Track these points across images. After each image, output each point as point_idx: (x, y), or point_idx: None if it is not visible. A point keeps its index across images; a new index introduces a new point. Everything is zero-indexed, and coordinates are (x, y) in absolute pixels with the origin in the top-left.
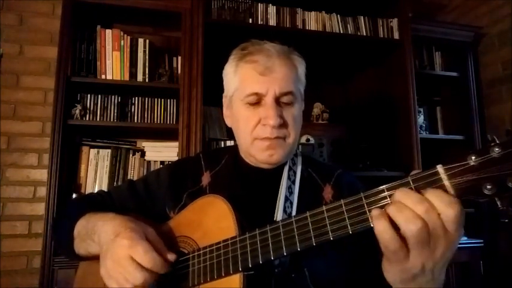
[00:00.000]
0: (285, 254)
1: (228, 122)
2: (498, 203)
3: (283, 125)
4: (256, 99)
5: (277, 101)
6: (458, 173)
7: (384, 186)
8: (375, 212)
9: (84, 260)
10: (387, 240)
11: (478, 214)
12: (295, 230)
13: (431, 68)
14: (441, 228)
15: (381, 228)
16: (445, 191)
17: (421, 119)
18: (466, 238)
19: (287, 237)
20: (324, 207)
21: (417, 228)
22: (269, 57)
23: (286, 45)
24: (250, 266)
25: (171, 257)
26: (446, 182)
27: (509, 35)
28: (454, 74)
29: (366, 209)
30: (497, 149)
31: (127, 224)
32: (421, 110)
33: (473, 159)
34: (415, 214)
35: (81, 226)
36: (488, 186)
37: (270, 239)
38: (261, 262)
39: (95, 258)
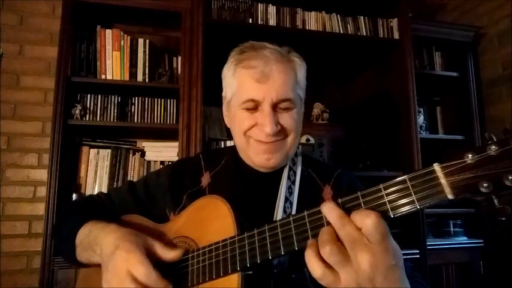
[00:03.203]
0: (282, 253)
1: (227, 122)
2: (495, 201)
3: (280, 130)
4: (253, 105)
5: (275, 107)
6: (455, 171)
7: (381, 185)
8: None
9: (85, 267)
10: (311, 269)
11: (478, 214)
12: (293, 229)
13: (431, 68)
14: (361, 240)
15: (306, 257)
16: (441, 190)
17: (421, 119)
18: (466, 238)
19: (285, 236)
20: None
21: (328, 251)
22: (267, 63)
23: (287, 46)
24: (248, 265)
25: (175, 253)
26: (443, 180)
27: (509, 35)
28: (454, 74)
29: (363, 208)
30: (494, 147)
31: (127, 236)
32: (421, 110)
33: (470, 158)
34: (328, 238)
35: (84, 235)
36: (485, 184)
37: (268, 238)
38: (259, 262)
39: (97, 266)
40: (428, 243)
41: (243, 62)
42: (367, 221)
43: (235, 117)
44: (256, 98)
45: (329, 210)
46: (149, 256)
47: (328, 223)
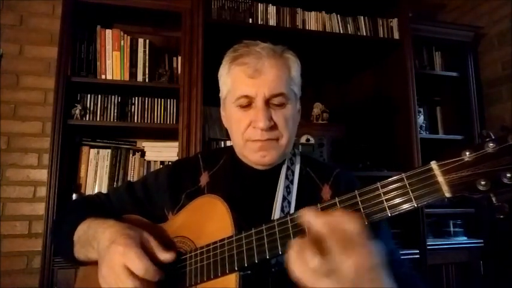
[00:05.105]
0: (280, 253)
1: (224, 122)
2: (493, 199)
3: (274, 126)
4: (246, 101)
5: (268, 102)
6: (453, 169)
7: (378, 183)
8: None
9: (83, 265)
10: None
11: (478, 214)
12: (290, 228)
13: (431, 68)
14: (348, 245)
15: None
16: (438, 188)
17: (421, 119)
18: (466, 238)
19: (282, 236)
20: (319, 205)
21: (315, 264)
22: (259, 59)
23: (281, 45)
24: (246, 265)
25: (170, 256)
26: (440, 178)
27: (509, 35)
28: (454, 74)
29: (360, 206)
30: (492, 144)
31: (123, 231)
32: (421, 110)
33: (467, 155)
34: (312, 251)
35: (82, 231)
36: (482, 182)
37: (265, 238)
38: (256, 261)
39: (94, 263)
40: (428, 243)
41: (236, 60)
42: (350, 225)
43: (231, 117)
44: (249, 94)
45: (312, 218)
46: (145, 251)
47: None
